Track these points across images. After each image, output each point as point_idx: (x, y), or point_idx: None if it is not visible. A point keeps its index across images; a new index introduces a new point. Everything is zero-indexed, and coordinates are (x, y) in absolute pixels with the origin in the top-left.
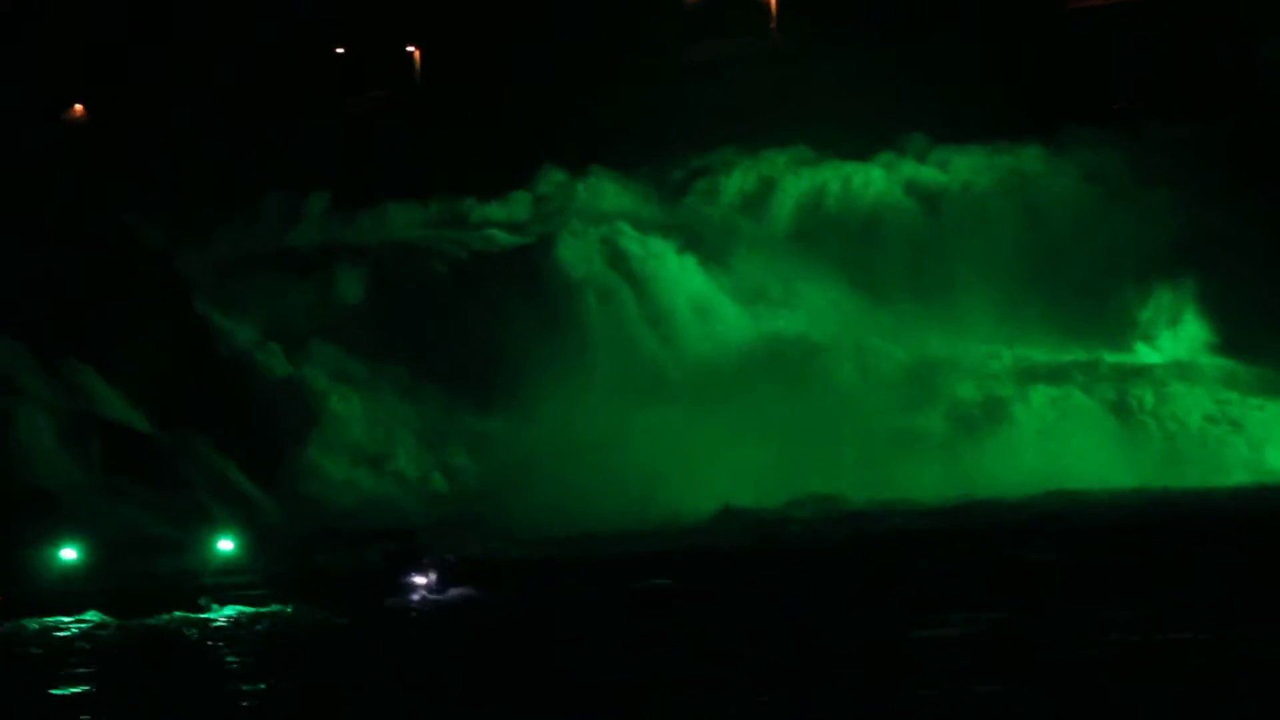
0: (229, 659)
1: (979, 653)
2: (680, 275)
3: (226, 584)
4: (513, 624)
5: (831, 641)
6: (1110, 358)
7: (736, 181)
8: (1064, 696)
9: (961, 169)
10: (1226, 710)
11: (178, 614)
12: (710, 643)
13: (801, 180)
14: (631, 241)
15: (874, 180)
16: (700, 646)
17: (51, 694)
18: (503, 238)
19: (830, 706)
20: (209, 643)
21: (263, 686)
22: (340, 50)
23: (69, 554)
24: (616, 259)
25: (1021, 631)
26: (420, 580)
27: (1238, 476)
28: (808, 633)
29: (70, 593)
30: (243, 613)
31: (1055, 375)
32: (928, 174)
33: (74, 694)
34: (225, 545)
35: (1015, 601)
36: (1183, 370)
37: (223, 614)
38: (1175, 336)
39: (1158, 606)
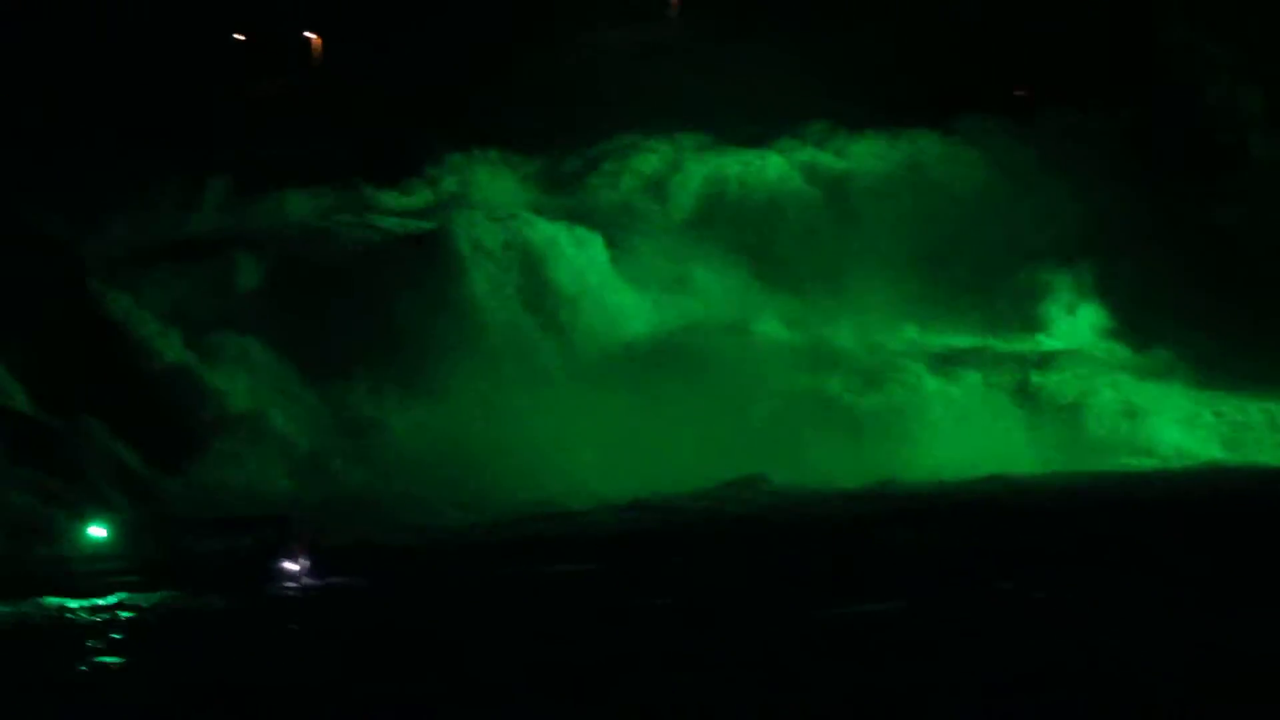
0: (90, 643)
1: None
2: (581, 261)
3: (97, 570)
4: (390, 611)
5: (738, 623)
6: (1011, 344)
7: (637, 167)
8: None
9: (860, 156)
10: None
11: (38, 600)
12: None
13: (702, 166)
14: (531, 227)
15: (773, 166)
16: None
17: None
18: (402, 223)
19: (730, 686)
20: (69, 630)
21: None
22: (239, 37)
23: None
24: (516, 244)
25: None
26: (292, 567)
27: (1137, 461)
28: (712, 615)
29: None
30: (120, 600)
31: (956, 361)
32: (827, 160)
33: None
34: (97, 531)
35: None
36: (1083, 356)
37: (89, 601)
38: (1075, 323)
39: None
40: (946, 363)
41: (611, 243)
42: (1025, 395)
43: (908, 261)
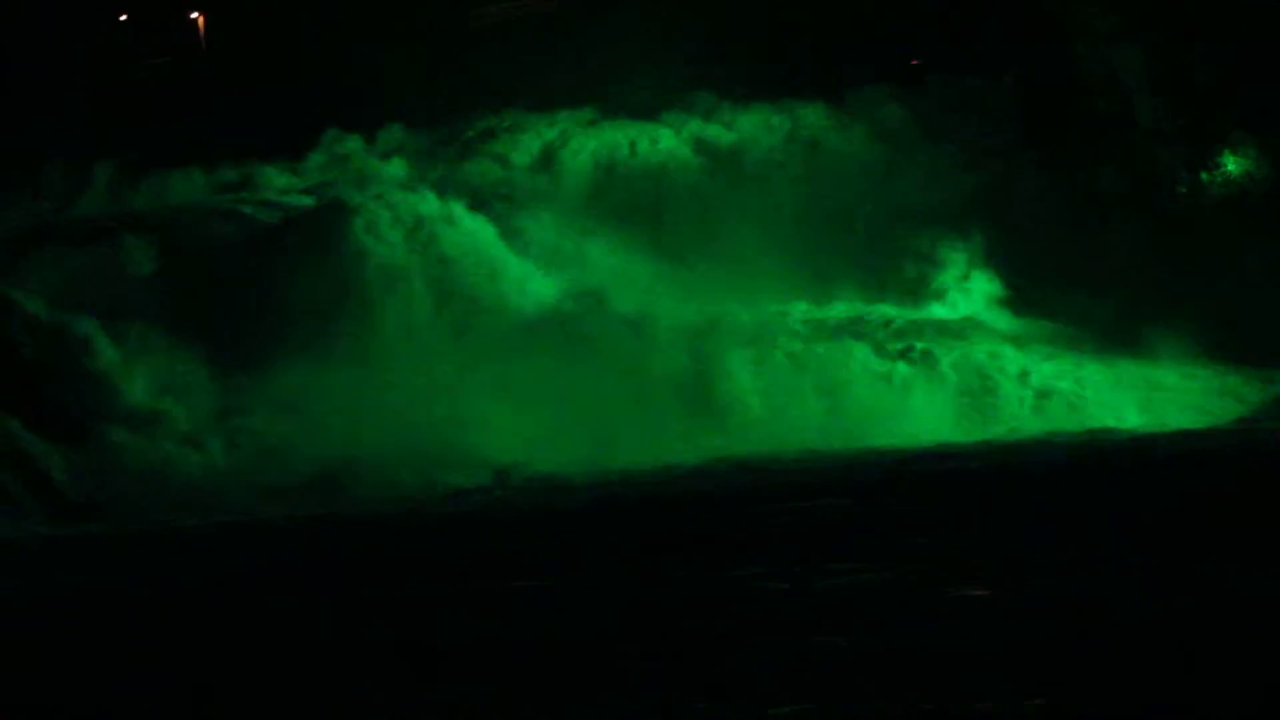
0: None
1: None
2: (470, 237)
3: None
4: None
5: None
6: (902, 314)
7: (526, 142)
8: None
9: (748, 127)
10: None
11: None
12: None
13: (590, 140)
14: (420, 203)
15: (662, 139)
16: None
17: None
18: (291, 201)
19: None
20: None
21: None
22: (123, 17)
23: None
24: (405, 221)
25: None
26: None
27: (1028, 427)
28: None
29: None
30: None
31: (847, 332)
32: (715, 132)
33: None
34: None
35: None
36: (974, 326)
37: None
38: (966, 292)
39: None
40: (838, 333)
41: (503, 218)
42: (919, 364)
43: (796, 233)
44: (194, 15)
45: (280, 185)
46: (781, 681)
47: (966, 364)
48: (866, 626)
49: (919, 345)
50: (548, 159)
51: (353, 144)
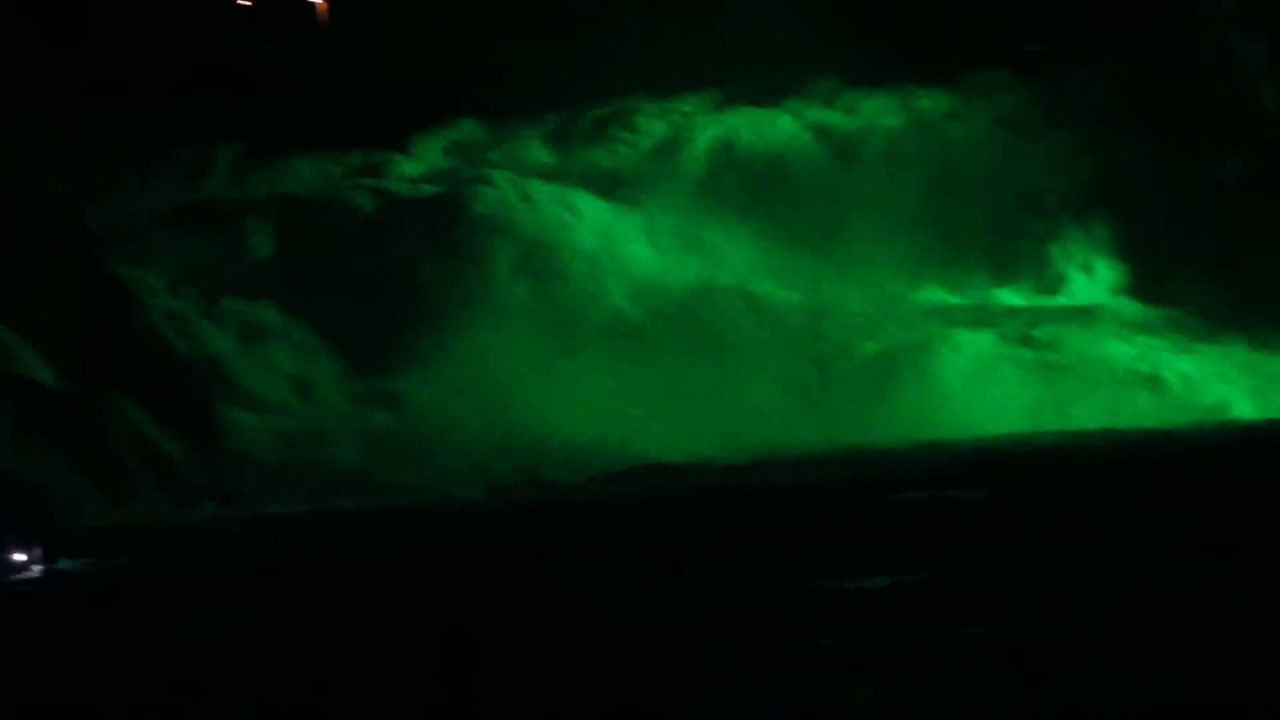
0: None
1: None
2: (592, 223)
3: None
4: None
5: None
6: (1023, 302)
7: (648, 128)
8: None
9: (869, 113)
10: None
11: None
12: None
13: (712, 126)
14: (543, 190)
15: (782, 126)
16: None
17: None
18: (413, 188)
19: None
20: None
21: None
22: (246, 1)
23: None
24: (528, 207)
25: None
26: (19, 557)
27: (1148, 415)
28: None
29: None
30: None
31: (968, 320)
32: (835, 119)
33: None
34: None
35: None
36: (1095, 313)
37: None
38: (1088, 280)
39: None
40: (960, 321)
41: (622, 205)
42: (1040, 351)
43: (917, 220)
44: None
45: (402, 171)
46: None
47: (1087, 351)
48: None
49: (1040, 332)
50: (670, 145)
51: (476, 130)
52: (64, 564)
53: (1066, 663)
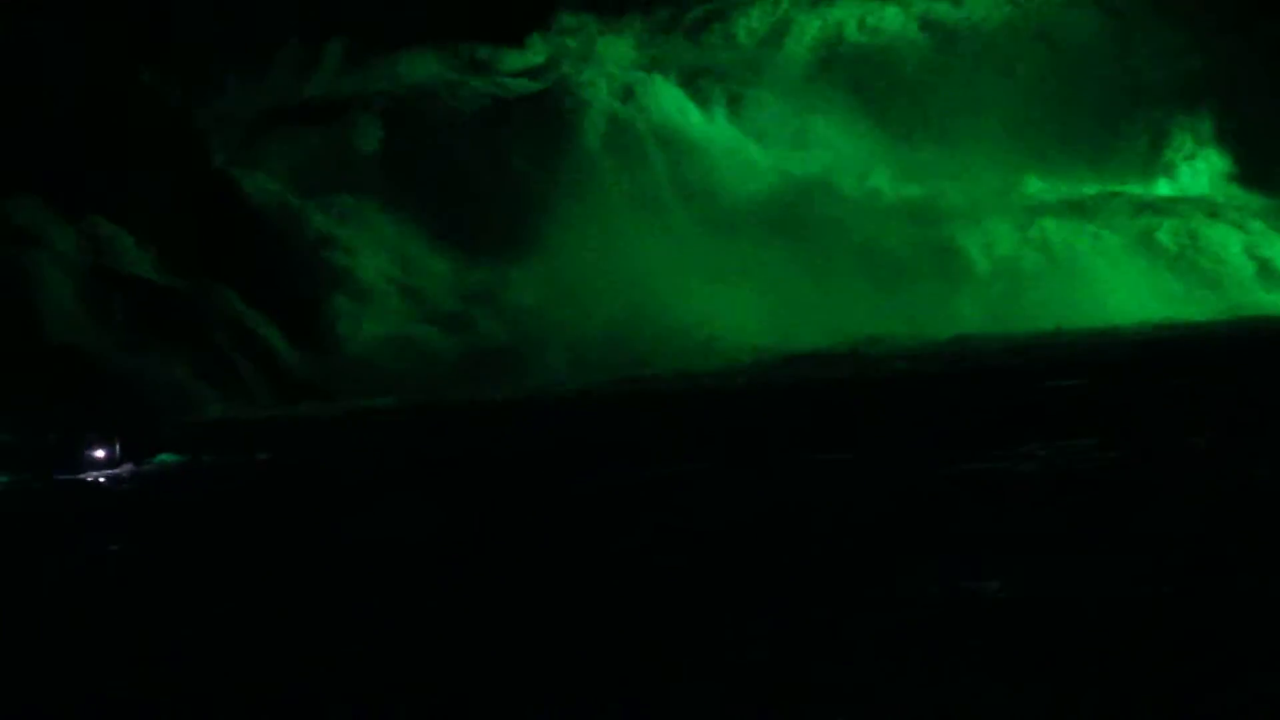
0: None
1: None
2: (697, 116)
3: None
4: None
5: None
6: (1131, 190)
7: (752, 21)
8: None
9: (977, 4)
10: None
11: None
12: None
13: (816, 18)
14: (648, 85)
15: (889, 17)
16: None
17: None
18: (519, 84)
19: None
20: None
21: None
22: None
23: None
24: (633, 102)
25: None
26: (100, 454)
27: (1255, 303)
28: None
29: None
30: None
31: (1076, 210)
32: (942, 10)
33: None
34: None
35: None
36: (1205, 204)
37: None
38: (1194, 170)
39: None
40: (1065, 212)
41: (728, 98)
42: (1146, 241)
43: (1024, 111)
44: None
45: (508, 66)
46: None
47: (1194, 241)
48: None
49: (1148, 221)
50: (775, 37)
51: (579, 24)
52: (162, 459)
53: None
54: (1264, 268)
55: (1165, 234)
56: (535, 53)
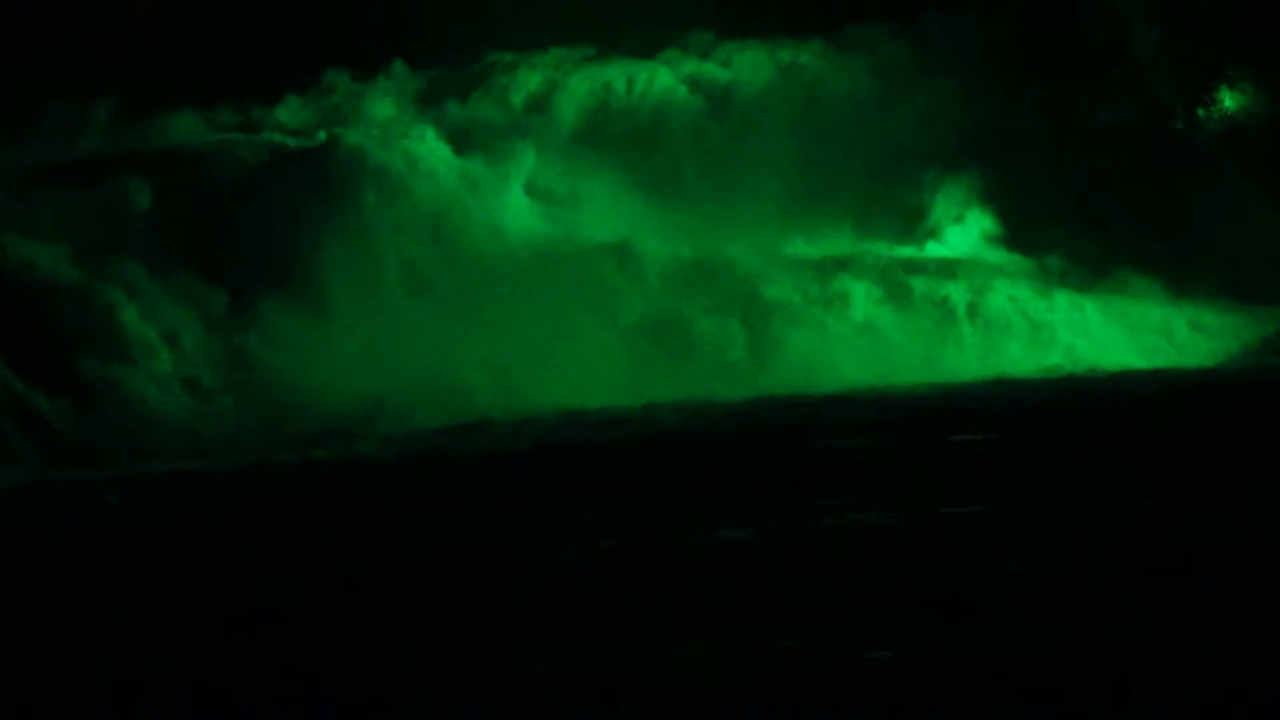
0: None
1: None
2: (464, 176)
3: None
4: None
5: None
6: (899, 252)
7: (521, 81)
8: None
9: (744, 65)
10: None
11: None
12: None
13: (586, 79)
14: (417, 143)
15: (659, 78)
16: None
17: None
18: (291, 141)
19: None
20: None
21: None
22: None
23: None
24: (402, 160)
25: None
26: None
27: (1024, 366)
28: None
29: None
30: None
31: (843, 270)
32: (711, 71)
33: None
34: None
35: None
36: (968, 263)
37: None
38: (963, 230)
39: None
40: (833, 272)
41: (497, 158)
42: (914, 302)
43: (792, 172)
44: None
45: (278, 124)
46: None
47: (960, 302)
48: None
49: (914, 283)
50: (543, 98)
51: (349, 84)
52: None
53: None
54: (1025, 327)
55: (931, 295)
56: (305, 110)
